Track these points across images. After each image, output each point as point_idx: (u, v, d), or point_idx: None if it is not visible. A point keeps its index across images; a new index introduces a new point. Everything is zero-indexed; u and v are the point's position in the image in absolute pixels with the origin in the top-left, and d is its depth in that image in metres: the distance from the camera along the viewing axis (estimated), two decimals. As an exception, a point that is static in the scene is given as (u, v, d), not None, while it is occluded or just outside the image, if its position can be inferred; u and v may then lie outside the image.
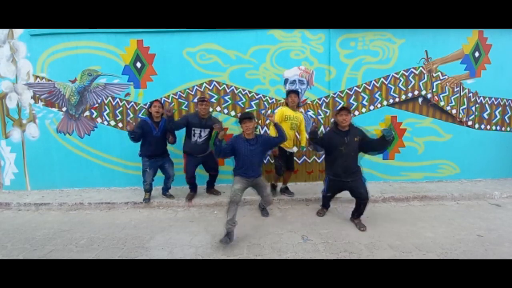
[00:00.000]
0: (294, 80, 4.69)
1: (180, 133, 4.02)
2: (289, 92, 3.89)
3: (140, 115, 4.67)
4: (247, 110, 4.75)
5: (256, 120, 4.75)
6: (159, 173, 4.13)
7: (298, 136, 4.31)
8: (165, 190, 4.25)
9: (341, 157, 3.09)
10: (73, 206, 4.06)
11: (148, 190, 4.05)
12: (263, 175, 3.31)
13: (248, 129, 3.00)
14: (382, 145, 3.04)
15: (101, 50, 4.62)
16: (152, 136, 3.83)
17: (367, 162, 4.62)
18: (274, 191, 4.25)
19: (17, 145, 4.81)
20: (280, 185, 4.32)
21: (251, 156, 3.05)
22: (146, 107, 4.58)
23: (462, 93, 4.82)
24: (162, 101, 4.66)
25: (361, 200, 3.13)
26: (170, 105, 4.60)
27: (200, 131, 3.85)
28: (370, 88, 4.76)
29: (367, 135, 3.18)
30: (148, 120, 3.83)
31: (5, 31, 4.62)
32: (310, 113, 4.79)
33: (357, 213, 3.23)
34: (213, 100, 4.72)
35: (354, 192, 3.16)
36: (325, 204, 3.61)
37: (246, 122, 2.99)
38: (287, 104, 3.89)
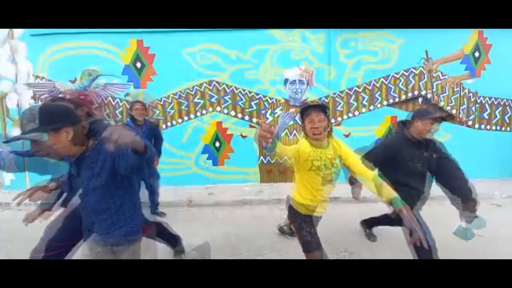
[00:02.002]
0: (294, 80, 4.69)
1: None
2: (304, 111, 1.83)
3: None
4: (247, 110, 4.75)
5: (256, 120, 4.77)
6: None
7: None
8: (155, 208, 3.51)
9: (412, 176, 1.95)
10: (73, 206, 4.05)
11: None
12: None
13: (57, 143, 1.30)
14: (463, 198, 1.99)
15: (101, 50, 4.62)
16: None
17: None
18: None
19: (17, 145, 4.80)
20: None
21: (90, 194, 1.45)
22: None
23: (462, 93, 4.82)
24: (162, 101, 4.66)
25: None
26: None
27: None
28: (370, 88, 4.76)
29: (449, 156, 2.07)
30: (130, 123, 3.19)
31: (5, 31, 4.61)
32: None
33: (371, 224, 2.87)
34: (213, 100, 4.72)
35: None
36: None
37: (50, 137, 1.28)
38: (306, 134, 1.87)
